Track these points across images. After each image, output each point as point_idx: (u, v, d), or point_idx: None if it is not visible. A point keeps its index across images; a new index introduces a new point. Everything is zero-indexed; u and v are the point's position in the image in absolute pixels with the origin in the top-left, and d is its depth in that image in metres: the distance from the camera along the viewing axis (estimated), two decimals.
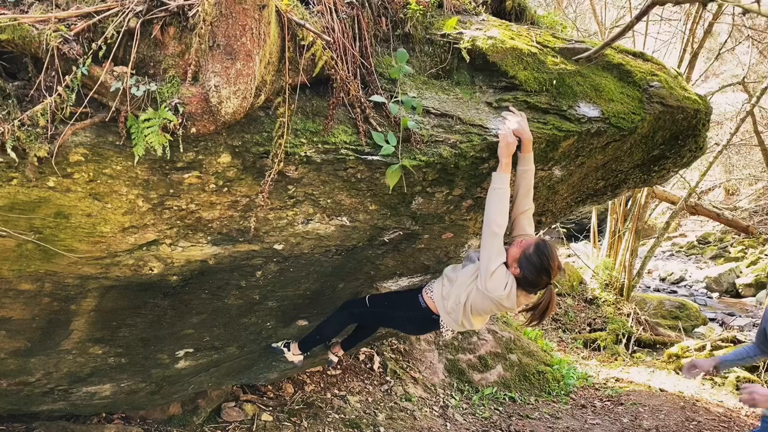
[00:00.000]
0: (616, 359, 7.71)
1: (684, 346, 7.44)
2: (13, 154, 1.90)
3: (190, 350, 3.49)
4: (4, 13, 1.95)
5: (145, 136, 2.00)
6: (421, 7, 2.82)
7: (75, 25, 2.01)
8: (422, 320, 3.19)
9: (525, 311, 2.93)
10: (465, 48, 2.81)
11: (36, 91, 1.98)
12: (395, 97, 2.59)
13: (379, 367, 5.57)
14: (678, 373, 7.13)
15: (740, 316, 10.43)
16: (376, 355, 5.68)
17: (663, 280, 13.74)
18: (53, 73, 1.97)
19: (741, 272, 13.12)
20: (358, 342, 4.02)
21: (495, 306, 2.88)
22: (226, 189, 2.36)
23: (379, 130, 2.50)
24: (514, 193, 2.89)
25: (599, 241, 11.04)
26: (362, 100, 2.49)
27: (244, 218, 2.53)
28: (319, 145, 2.38)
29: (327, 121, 2.41)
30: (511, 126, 2.66)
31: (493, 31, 2.92)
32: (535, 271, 2.76)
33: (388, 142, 2.46)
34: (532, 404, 5.82)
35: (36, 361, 3.03)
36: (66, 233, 2.25)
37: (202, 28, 1.97)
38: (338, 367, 5.41)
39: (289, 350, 3.66)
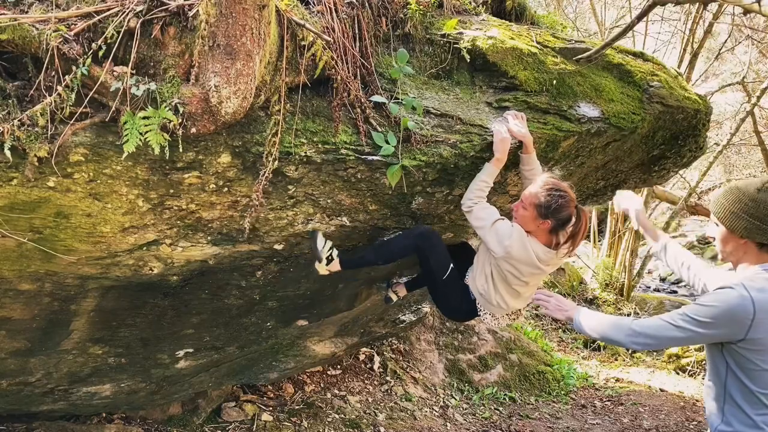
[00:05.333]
0: (616, 359, 7.70)
1: (684, 346, 7.43)
2: (8, 154, 1.90)
3: (190, 350, 3.49)
4: (4, 13, 1.95)
5: (143, 134, 1.99)
6: (421, 7, 2.82)
7: (75, 25, 2.00)
8: (464, 294, 2.98)
9: (564, 242, 2.72)
10: (465, 48, 2.81)
11: (36, 91, 1.98)
12: (395, 98, 2.59)
13: (379, 367, 5.57)
14: (678, 374, 7.12)
15: None
16: (376, 355, 5.68)
17: (663, 280, 13.72)
18: (53, 73, 1.97)
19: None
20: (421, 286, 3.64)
21: (513, 265, 2.71)
22: (226, 189, 2.36)
23: (380, 130, 2.50)
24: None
25: (599, 241, 11.05)
26: (362, 100, 2.49)
27: (245, 218, 2.53)
28: (319, 145, 2.38)
29: (335, 124, 2.41)
30: (511, 127, 2.65)
31: (493, 31, 2.92)
32: (559, 209, 2.60)
33: (388, 143, 2.46)
34: (532, 404, 5.82)
35: (36, 361, 3.03)
36: (66, 233, 2.25)
37: (202, 28, 1.97)
38: (338, 367, 5.41)
39: (325, 264, 2.89)
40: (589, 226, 2.78)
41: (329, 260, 2.87)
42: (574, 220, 2.67)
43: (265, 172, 2.29)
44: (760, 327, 1.86)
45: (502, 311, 3.00)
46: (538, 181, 2.67)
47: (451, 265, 2.94)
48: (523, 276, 2.77)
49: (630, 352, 7.94)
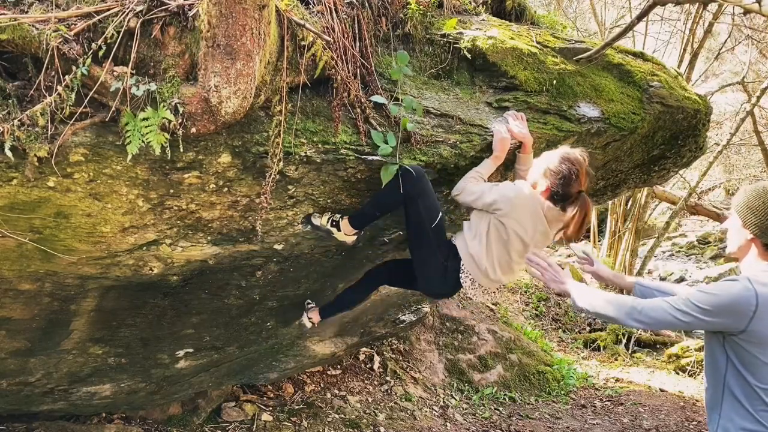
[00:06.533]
0: (616, 359, 7.70)
1: (684, 347, 7.43)
2: (9, 154, 1.90)
3: (190, 350, 3.49)
4: (4, 13, 1.95)
5: (144, 134, 2.00)
6: (421, 7, 2.82)
7: (75, 25, 2.01)
8: (452, 251, 2.76)
9: (559, 230, 2.64)
10: (465, 48, 2.81)
11: (36, 91, 1.98)
12: (395, 98, 2.59)
13: (379, 367, 5.57)
14: (678, 373, 7.12)
15: None
16: (376, 355, 5.68)
17: (663, 280, 13.73)
18: (53, 73, 1.97)
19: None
20: (340, 310, 3.45)
21: (518, 221, 2.56)
22: (226, 189, 2.36)
23: (380, 130, 2.50)
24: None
25: (599, 241, 11.05)
26: (362, 100, 2.49)
27: (245, 218, 2.53)
28: (319, 145, 2.38)
29: (335, 124, 2.41)
30: (511, 128, 2.65)
31: (493, 31, 2.92)
32: (564, 182, 2.50)
33: (386, 142, 2.45)
34: (532, 404, 5.82)
35: (36, 361, 3.03)
36: (66, 233, 2.25)
37: (202, 28, 1.97)
38: (338, 367, 5.42)
39: (339, 230, 2.74)
40: (588, 223, 2.74)
41: (336, 224, 2.72)
42: (572, 205, 2.56)
43: (271, 173, 2.29)
44: (761, 320, 1.87)
45: (488, 281, 2.76)
46: (566, 146, 2.61)
47: (441, 213, 2.70)
48: (527, 235, 2.59)
49: (630, 352, 7.94)
